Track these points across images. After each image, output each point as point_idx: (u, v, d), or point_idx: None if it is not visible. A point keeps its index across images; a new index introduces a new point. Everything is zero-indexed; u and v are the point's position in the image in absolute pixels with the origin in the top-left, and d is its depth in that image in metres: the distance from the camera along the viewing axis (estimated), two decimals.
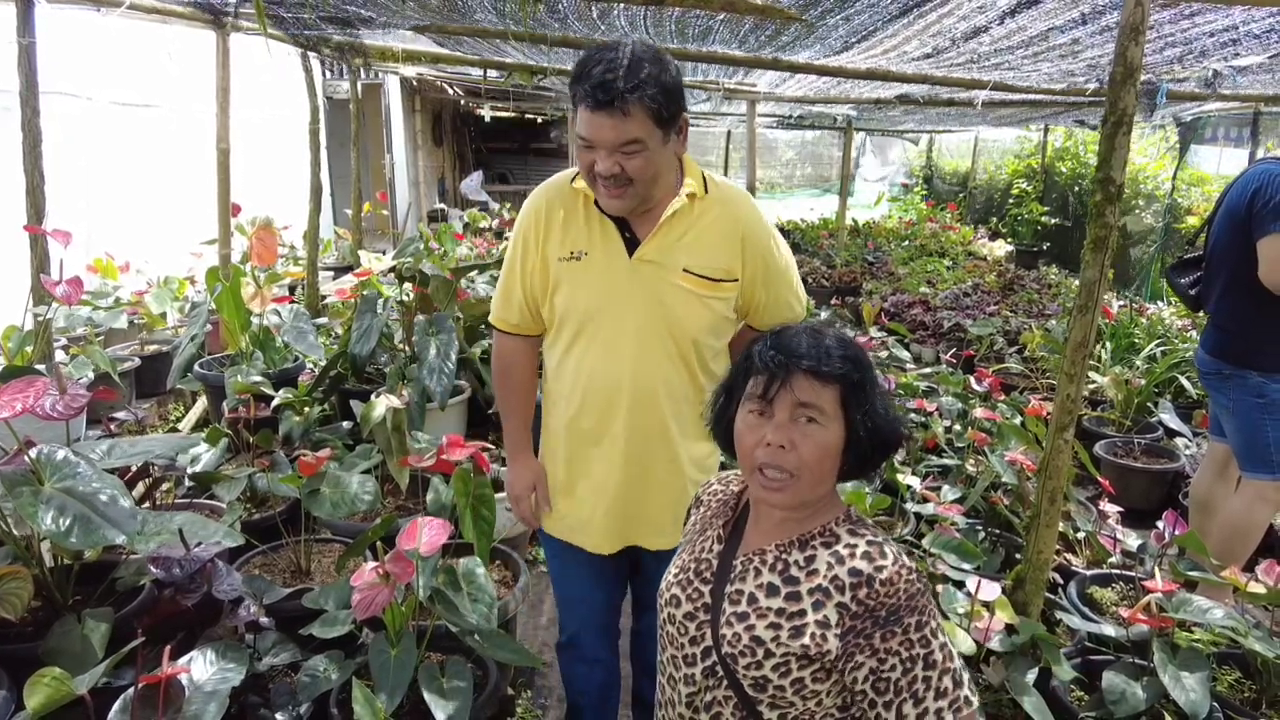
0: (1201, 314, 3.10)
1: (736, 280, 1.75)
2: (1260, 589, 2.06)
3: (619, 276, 1.73)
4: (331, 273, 7.21)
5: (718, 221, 1.74)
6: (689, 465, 1.84)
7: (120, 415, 2.85)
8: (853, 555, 1.20)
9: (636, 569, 2.00)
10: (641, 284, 1.72)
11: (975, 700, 1.20)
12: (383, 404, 2.80)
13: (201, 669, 1.63)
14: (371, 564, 1.78)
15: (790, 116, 9.37)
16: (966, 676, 1.21)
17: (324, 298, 5.46)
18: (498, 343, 1.95)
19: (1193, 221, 7.41)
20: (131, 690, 1.48)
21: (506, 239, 6.79)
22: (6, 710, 1.60)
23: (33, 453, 1.73)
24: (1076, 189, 10.34)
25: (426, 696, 1.69)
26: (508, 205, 10.06)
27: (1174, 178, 7.48)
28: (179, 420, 4.28)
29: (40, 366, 2.28)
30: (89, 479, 1.73)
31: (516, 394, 1.95)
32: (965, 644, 1.95)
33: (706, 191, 1.75)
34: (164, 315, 4.85)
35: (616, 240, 1.73)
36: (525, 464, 1.95)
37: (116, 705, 1.51)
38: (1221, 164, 8.78)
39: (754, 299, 1.79)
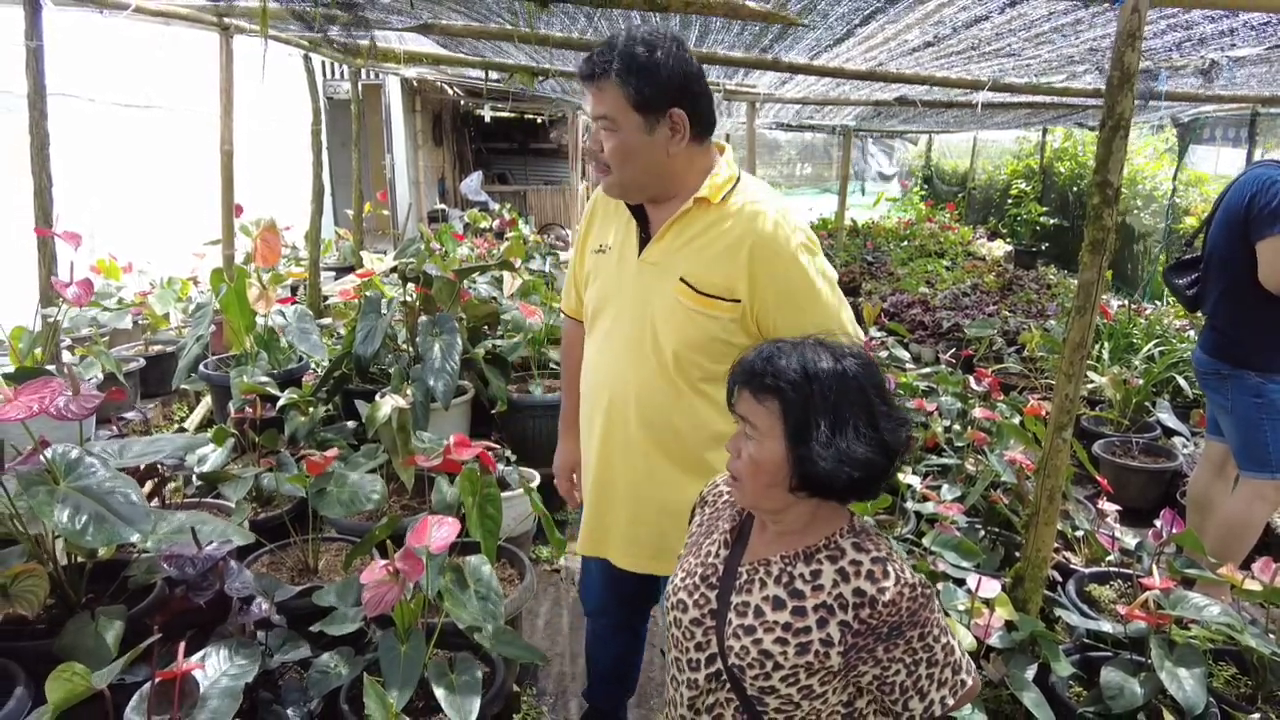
0: (1199, 314, 3.13)
1: (738, 301, 1.60)
2: (1256, 586, 2.10)
3: (627, 274, 1.71)
4: (333, 273, 7.24)
5: (727, 233, 1.61)
6: (663, 488, 1.71)
7: (129, 415, 2.87)
8: (857, 574, 1.21)
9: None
10: (642, 285, 1.68)
11: (970, 679, 1.25)
12: (388, 404, 2.83)
13: (215, 665, 1.65)
14: (381, 562, 1.81)
15: (790, 124, 9.39)
16: (965, 660, 1.26)
17: (326, 298, 5.49)
18: (564, 325, 2.05)
19: (1190, 222, 7.44)
20: (148, 685, 1.51)
21: (507, 240, 6.85)
22: (24, 704, 1.63)
23: (48, 452, 1.75)
24: (1075, 189, 10.38)
25: (437, 692, 1.72)
26: (507, 205, 10.09)
27: (1174, 179, 7.51)
28: (183, 420, 4.31)
29: (50, 367, 2.30)
30: (103, 478, 1.76)
31: (570, 376, 1.98)
32: (966, 640, 1.98)
33: (725, 200, 1.63)
34: (167, 316, 4.88)
35: (633, 238, 1.72)
36: (564, 445, 2.05)
37: (133, 700, 1.53)
38: (1219, 164, 8.81)
39: (770, 328, 1.61)
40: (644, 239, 1.71)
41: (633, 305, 1.69)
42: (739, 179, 1.68)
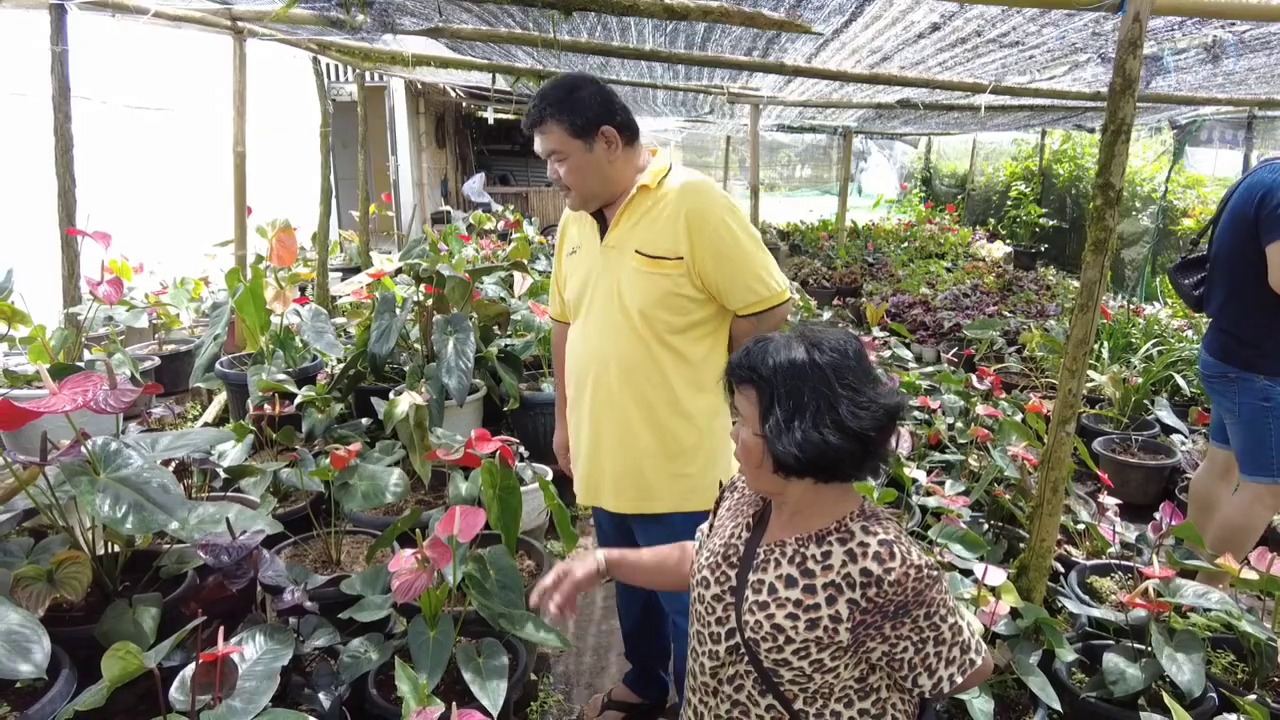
0: (1201, 314, 3.14)
1: (681, 258, 1.93)
2: (1253, 575, 2.16)
3: (595, 261, 2.05)
4: (339, 274, 7.31)
5: (666, 207, 1.96)
6: (643, 433, 2.01)
7: (157, 410, 2.94)
8: (865, 555, 1.27)
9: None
10: (608, 268, 2.02)
11: (979, 659, 1.31)
12: (406, 401, 2.89)
13: (252, 649, 1.72)
14: (409, 551, 1.87)
15: (791, 126, 9.45)
16: (975, 641, 1.32)
17: (335, 298, 5.55)
18: (553, 329, 2.41)
19: (1189, 224, 7.51)
20: (191, 667, 1.57)
21: (511, 241, 6.91)
22: (71, 684, 1.69)
23: (88, 444, 1.81)
24: (1074, 191, 10.46)
25: (466, 675, 1.78)
26: (510, 207, 10.15)
27: (1167, 180, 7.58)
28: (196, 418, 4.37)
29: (80, 364, 2.36)
30: (140, 468, 1.83)
31: (560, 369, 2.30)
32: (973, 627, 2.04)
33: (660, 184, 1.98)
34: (178, 315, 4.94)
35: (595, 233, 2.07)
36: (562, 427, 2.35)
37: (176, 682, 1.59)
38: (1217, 166, 8.89)
39: (710, 278, 1.95)
40: (604, 231, 2.05)
41: (603, 283, 2.03)
42: (671, 168, 2.04)
